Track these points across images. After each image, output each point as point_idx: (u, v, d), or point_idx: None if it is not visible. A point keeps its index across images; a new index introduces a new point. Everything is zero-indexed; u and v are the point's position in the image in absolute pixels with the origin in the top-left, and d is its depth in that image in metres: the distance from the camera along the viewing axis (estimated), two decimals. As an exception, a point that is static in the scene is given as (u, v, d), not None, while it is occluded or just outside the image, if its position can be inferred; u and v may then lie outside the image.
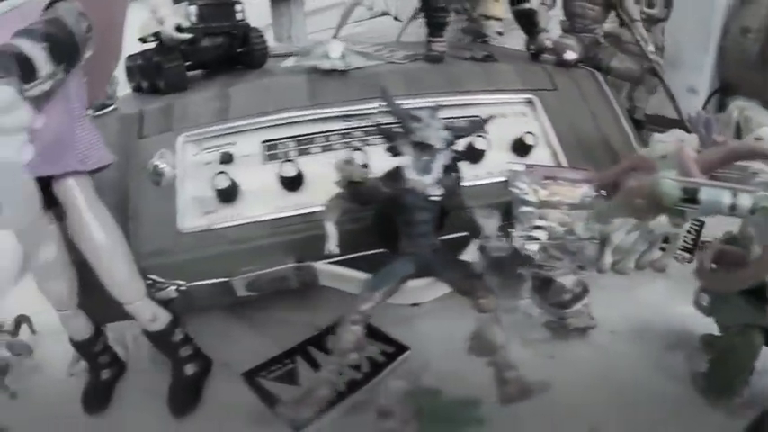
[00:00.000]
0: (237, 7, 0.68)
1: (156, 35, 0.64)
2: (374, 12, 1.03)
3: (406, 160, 0.43)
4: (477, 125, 0.50)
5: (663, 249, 0.67)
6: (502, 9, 0.67)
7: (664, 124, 0.80)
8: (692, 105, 0.82)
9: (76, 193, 0.46)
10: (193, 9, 0.63)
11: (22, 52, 0.38)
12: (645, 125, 0.76)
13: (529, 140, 0.60)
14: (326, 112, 0.56)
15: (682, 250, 0.67)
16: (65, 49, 0.41)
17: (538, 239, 0.57)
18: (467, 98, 0.61)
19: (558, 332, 0.58)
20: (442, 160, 0.44)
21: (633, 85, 0.78)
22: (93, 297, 0.51)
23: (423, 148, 0.43)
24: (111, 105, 0.63)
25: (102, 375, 0.57)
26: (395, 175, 0.45)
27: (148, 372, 0.58)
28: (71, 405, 0.55)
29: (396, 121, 0.45)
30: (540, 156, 0.62)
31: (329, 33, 0.89)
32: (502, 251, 0.48)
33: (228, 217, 0.52)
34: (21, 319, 0.64)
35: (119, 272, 0.48)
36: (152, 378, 0.57)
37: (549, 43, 0.71)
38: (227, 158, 0.53)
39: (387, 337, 0.55)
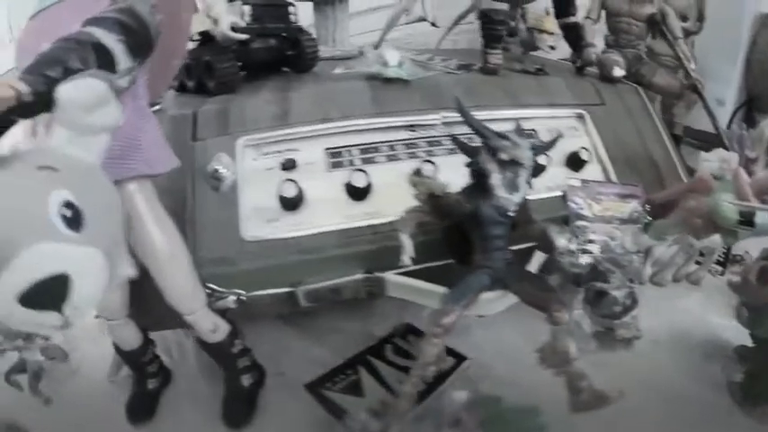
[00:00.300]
0: (291, 9, 0.67)
1: (204, 33, 0.63)
2: (411, 17, 1.03)
3: (494, 178, 0.44)
4: (551, 142, 0.51)
5: (698, 263, 0.70)
6: (555, 23, 0.68)
7: (699, 137, 0.83)
8: (719, 117, 0.85)
9: (139, 199, 0.44)
10: (248, 8, 0.62)
11: (100, 42, 0.36)
12: (682, 139, 0.79)
13: (584, 156, 0.61)
14: (391, 122, 0.56)
15: (714, 264, 0.71)
16: (140, 42, 0.39)
17: (591, 253, 0.59)
18: (523, 112, 0.62)
19: (606, 342, 0.60)
20: (526, 177, 0.45)
21: (671, 100, 0.81)
22: (143, 306, 0.50)
23: (510, 165, 0.44)
24: (157, 105, 0.61)
25: (148, 385, 0.55)
26: (475, 190, 0.46)
27: (195, 380, 0.57)
28: (109, 411, 0.54)
29: (477, 136, 0.46)
30: (591, 170, 0.64)
31: (369, 37, 0.88)
32: (580, 268, 0.49)
33: (293, 226, 0.51)
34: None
35: (180, 281, 0.47)
36: (199, 387, 0.56)
37: (595, 58, 0.72)
38: (290, 165, 0.53)
39: (446, 348, 0.55)
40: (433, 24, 1.02)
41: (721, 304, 0.65)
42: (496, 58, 0.65)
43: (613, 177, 0.64)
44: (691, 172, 0.69)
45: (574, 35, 0.74)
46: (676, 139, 0.77)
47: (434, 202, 0.46)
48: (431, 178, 0.46)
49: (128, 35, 0.37)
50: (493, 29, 0.64)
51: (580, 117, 0.66)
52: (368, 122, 0.55)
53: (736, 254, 0.73)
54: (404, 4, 0.80)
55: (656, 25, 0.75)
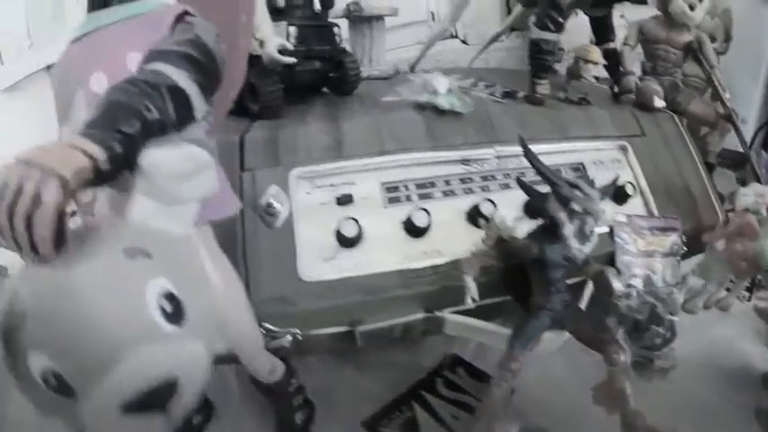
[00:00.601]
0: (336, 30, 0.65)
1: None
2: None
3: (566, 229, 0.44)
4: (612, 186, 0.52)
5: (727, 289, 0.73)
6: (600, 54, 0.68)
7: (727, 157, 0.85)
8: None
9: (199, 244, 0.43)
10: (293, 30, 0.61)
11: (176, 84, 0.34)
12: (715, 167, 0.81)
13: (629, 190, 0.62)
14: (446, 156, 0.56)
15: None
16: (210, 77, 0.38)
17: (635, 287, 0.61)
18: (571, 145, 0.63)
19: (644, 373, 0.62)
20: (595, 227, 0.45)
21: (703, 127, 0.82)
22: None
23: (581, 215, 0.44)
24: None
25: (193, 420, 0.55)
26: (541, 233, 0.47)
27: (239, 414, 0.57)
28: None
29: (546, 182, 0.46)
30: (634, 203, 0.65)
31: (399, 53, 0.87)
32: (638, 313, 0.50)
33: (351, 264, 0.51)
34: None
35: (239, 323, 0.46)
36: (243, 421, 0.56)
37: (634, 86, 0.73)
38: (346, 200, 0.52)
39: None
40: (464, 42, 1.02)
41: (751, 330, 0.68)
42: (544, 88, 0.65)
43: (654, 209, 0.66)
44: (722, 198, 0.72)
45: (613, 61, 0.75)
46: (709, 167, 0.79)
47: (502, 246, 0.47)
48: (501, 223, 0.46)
49: (198, 71, 0.35)
50: (542, 59, 0.64)
51: (623, 149, 0.67)
52: (424, 156, 0.55)
53: (761, 279, 0.77)
54: (443, 26, 0.79)
55: (692, 53, 0.77)
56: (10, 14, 1.53)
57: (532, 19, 0.64)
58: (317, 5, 0.63)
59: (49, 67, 1.53)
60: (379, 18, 0.80)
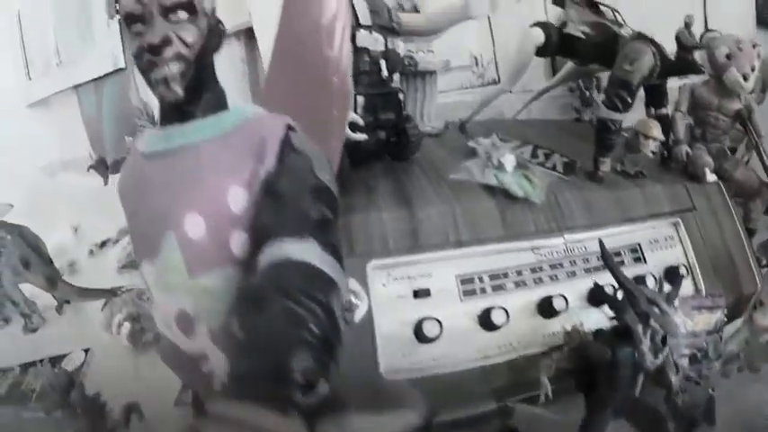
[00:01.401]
0: (401, 96, 0.66)
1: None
2: (484, 80, 1.02)
3: (643, 343, 0.48)
4: (677, 288, 0.56)
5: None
6: (659, 130, 0.71)
7: None
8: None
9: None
10: (361, 99, 0.61)
11: (331, 279, 0.31)
12: (756, 231, 0.85)
13: (682, 272, 0.67)
14: (519, 246, 0.59)
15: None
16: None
17: (682, 367, 0.67)
18: (631, 227, 0.66)
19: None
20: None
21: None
22: None
23: (657, 331, 0.48)
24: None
25: None
26: (614, 336, 0.51)
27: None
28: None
29: (626, 294, 0.50)
30: (685, 283, 0.69)
31: (442, 98, 0.87)
32: (694, 407, 0.55)
33: (429, 359, 0.54)
34: (130, 408, 0.63)
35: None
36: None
37: (685, 156, 0.77)
38: (424, 294, 0.55)
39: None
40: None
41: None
42: (606, 166, 0.68)
43: (701, 284, 0.71)
44: (760, 262, 0.77)
45: (665, 128, 0.78)
46: (750, 232, 0.84)
47: (577, 348, 0.51)
48: (580, 331, 0.50)
49: (334, 234, 0.33)
50: (607, 138, 0.67)
51: (675, 225, 0.71)
52: (498, 247, 0.58)
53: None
54: (502, 86, 0.80)
55: (740, 120, 0.80)
56: (39, 32, 1.50)
57: (601, 97, 0.66)
58: (385, 71, 0.64)
59: (76, 87, 1.53)
60: (432, 73, 0.80)
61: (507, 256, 0.59)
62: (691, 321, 0.68)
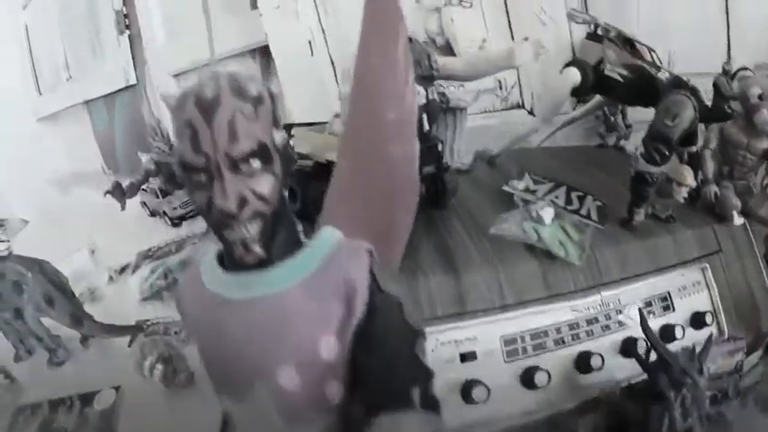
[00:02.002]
0: (440, 147, 0.67)
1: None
2: (508, 103, 1.02)
3: (675, 410, 0.53)
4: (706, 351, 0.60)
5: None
6: (692, 176, 0.73)
7: None
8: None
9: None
10: (405, 158, 0.62)
11: None
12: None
13: (708, 320, 0.71)
14: (560, 306, 0.62)
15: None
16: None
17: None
18: (662, 278, 0.70)
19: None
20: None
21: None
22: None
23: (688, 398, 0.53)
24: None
25: None
26: (645, 397, 0.55)
27: None
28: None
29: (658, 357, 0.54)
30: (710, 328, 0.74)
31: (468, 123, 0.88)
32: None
33: (474, 419, 0.58)
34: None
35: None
36: None
37: (713, 196, 0.79)
38: (470, 357, 0.58)
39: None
40: (530, 113, 1.03)
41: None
42: (640, 216, 0.71)
43: (724, 326, 0.75)
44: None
45: (694, 167, 0.80)
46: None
47: (613, 407, 0.55)
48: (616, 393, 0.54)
49: (436, 407, 0.33)
50: (644, 190, 0.69)
51: (703, 270, 0.75)
52: (540, 308, 0.61)
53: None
54: (535, 124, 0.81)
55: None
56: (47, 46, 1.45)
57: (640, 149, 0.68)
58: (426, 124, 0.64)
59: (87, 102, 1.48)
60: (463, 109, 0.81)
61: (547, 316, 0.62)
62: (714, 366, 0.73)
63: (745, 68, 0.86)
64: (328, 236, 0.36)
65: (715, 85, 0.74)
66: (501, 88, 1.11)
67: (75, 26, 1.40)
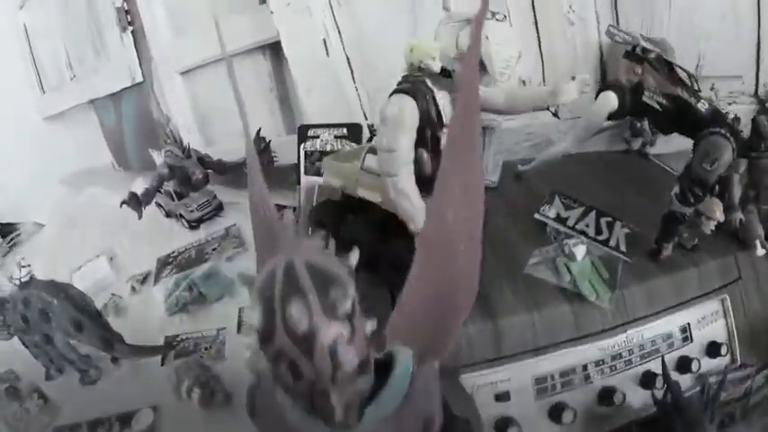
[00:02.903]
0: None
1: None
2: None
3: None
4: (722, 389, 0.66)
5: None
6: (722, 211, 0.76)
7: None
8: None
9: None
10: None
11: None
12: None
13: (723, 351, 0.77)
14: (589, 346, 0.67)
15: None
16: None
17: None
18: (686, 313, 0.75)
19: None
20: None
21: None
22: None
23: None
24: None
25: None
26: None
27: None
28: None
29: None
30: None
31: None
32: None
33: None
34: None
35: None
36: None
37: (738, 223, 0.83)
38: (504, 397, 0.63)
39: None
40: (555, 115, 1.03)
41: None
42: (668, 250, 0.75)
43: (737, 354, 0.81)
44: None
45: (721, 192, 0.83)
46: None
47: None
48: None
49: None
50: (675, 229, 0.73)
51: (723, 300, 0.80)
52: (571, 349, 0.66)
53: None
54: (566, 148, 0.82)
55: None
56: (48, 45, 1.39)
57: (675, 189, 0.70)
58: None
59: (92, 101, 1.43)
60: (493, 128, 0.81)
61: (576, 354, 0.68)
62: (724, 393, 0.80)
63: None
64: (405, 369, 0.37)
65: (754, 122, 0.75)
66: (526, 90, 1.11)
67: (75, 25, 1.38)
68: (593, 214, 0.82)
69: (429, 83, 0.61)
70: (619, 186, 0.99)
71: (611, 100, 0.78)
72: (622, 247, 0.77)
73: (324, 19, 1.03)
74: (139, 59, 1.32)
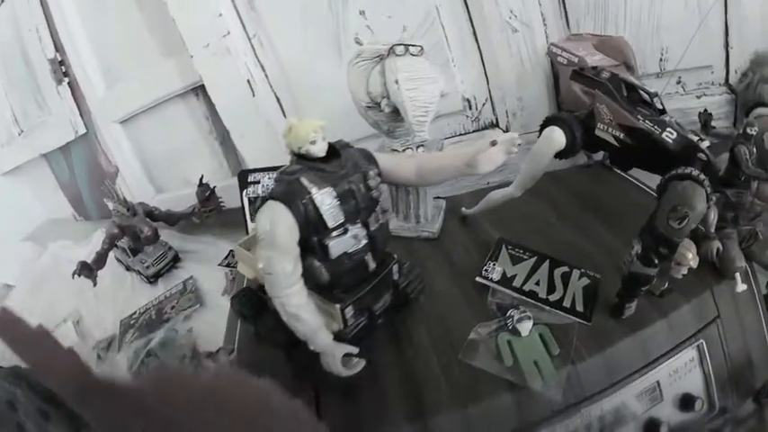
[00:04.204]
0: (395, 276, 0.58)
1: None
2: (480, 123, 0.86)
3: None
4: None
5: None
6: (696, 259, 0.63)
7: None
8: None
9: None
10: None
11: None
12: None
13: (697, 406, 0.66)
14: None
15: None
16: None
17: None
18: (652, 371, 0.63)
19: None
20: None
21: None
22: None
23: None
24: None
25: None
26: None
27: None
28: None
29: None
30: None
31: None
32: None
33: None
34: None
35: None
36: None
37: (716, 253, 0.70)
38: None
39: None
40: (506, 132, 0.90)
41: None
42: (631, 310, 0.63)
43: (715, 400, 0.70)
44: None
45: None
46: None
47: None
48: None
49: None
50: (638, 291, 0.60)
51: (699, 347, 0.68)
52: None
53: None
54: (512, 192, 0.69)
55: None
56: None
57: (637, 248, 0.57)
58: (371, 265, 0.55)
59: (44, 155, 1.36)
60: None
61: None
62: None
63: (761, 104, 0.71)
64: None
65: (732, 153, 0.61)
66: (471, 107, 0.95)
67: (14, 79, 1.29)
68: (545, 265, 0.70)
69: (305, 181, 0.48)
70: (581, 206, 0.85)
71: (556, 137, 0.64)
72: (579, 307, 0.65)
73: (246, 59, 0.89)
74: (80, 111, 1.23)
